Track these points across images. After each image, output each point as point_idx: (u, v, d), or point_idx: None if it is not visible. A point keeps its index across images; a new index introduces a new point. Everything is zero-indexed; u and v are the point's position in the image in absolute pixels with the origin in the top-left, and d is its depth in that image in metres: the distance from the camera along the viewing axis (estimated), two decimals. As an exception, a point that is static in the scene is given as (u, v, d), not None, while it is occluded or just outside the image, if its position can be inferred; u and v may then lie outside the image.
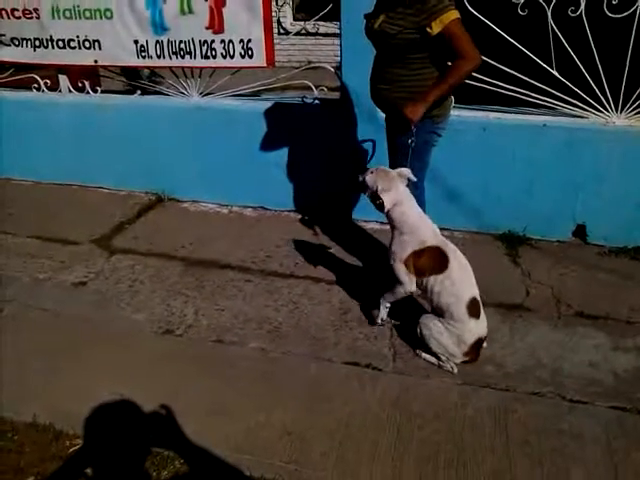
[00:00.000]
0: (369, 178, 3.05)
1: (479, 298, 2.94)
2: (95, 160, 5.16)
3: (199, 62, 4.46)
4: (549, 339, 3.17)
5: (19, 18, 4.82)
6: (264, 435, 2.60)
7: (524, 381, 2.87)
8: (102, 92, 5.13)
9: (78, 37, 4.71)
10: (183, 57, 4.48)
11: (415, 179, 3.09)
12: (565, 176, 3.97)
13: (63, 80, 5.13)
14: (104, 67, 4.98)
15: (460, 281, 2.91)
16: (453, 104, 3.68)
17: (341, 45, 4.11)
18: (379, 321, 3.30)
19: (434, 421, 2.64)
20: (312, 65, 4.81)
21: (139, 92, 4.98)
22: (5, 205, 5.05)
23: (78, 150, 5.19)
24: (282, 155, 4.57)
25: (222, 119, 4.65)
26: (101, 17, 4.55)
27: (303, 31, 5.24)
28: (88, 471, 2.48)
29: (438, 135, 3.32)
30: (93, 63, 4.82)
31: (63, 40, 4.77)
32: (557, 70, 3.80)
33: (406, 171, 3.07)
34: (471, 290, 2.93)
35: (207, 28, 4.31)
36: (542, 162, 3.98)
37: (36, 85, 5.19)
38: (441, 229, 4.13)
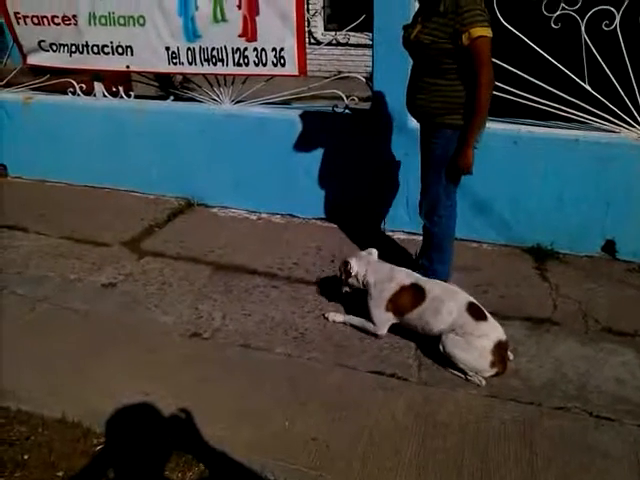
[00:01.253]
0: (340, 265, 3.43)
1: (476, 302, 3.06)
2: (127, 164, 5.25)
3: (231, 69, 4.52)
4: (576, 354, 3.14)
5: (58, 25, 4.93)
6: (288, 440, 2.62)
7: (550, 395, 2.85)
8: (135, 97, 5.22)
9: (112, 43, 4.83)
10: (215, 64, 4.55)
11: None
12: (595, 191, 3.94)
13: (98, 85, 5.23)
14: (136, 72, 5.07)
15: (446, 297, 3.07)
16: (488, 117, 3.67)
17: (373, 55, 4.14)
18: (330, 319, 3.46)
19: (459, 432, 2.63)
20: (343, 75, 4.84)
21: (172, 98, 5.06)
22: (39, 206, 5.16)
23: (111, 154, 5.28)
24: (312, 163, 4.59)
25: (253, 126, 4.69)
26: (134, 24, 4.66)
27: (334, 41, 5.27)
28: (110, 473, 2.52)
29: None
30: (125, 68, 4.92)
31: (97, 46, 4.89)
32: (590, 84, 3.79)
33: (373, 250, 3.48)
34: (463, 297, 3.06)
35: (240, 36, 4.37)
36: (572, 176, 3.96)
37: (72, 89, 5.30)
38: (469, 241, 4.21)
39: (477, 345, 2.91)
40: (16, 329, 3.45)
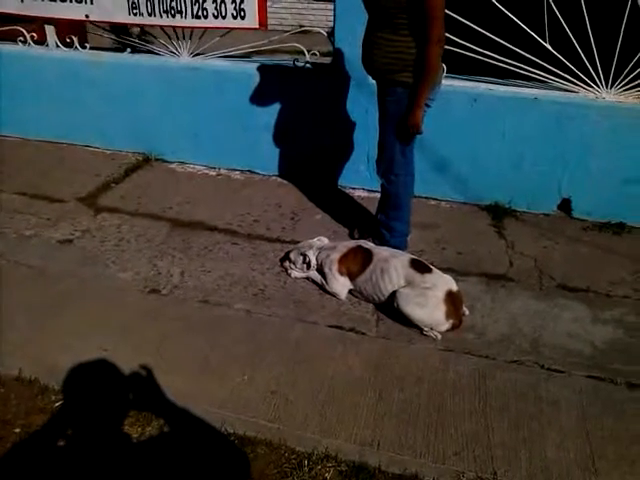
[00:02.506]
0: (292, 255, 3.49)
1: (419, 258, 3.23)
2: (83, 118, 5.09)
3: (190, 22, 4.39)
4: (530, 309, 3.23)
5: (6, -33, 4.70)
6: (248, 394, 2.64)
7: (504, 349, 2.93)
8: (91, 49, 5.04)
9: None
10: (174, 16, 4.41)
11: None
12: (553, 150, 3.99)
13: (51, 35, 5.02)
14: (95, 22, 4.88)
15: (390, 256, 3.18)
16: (445, 74, 3.67)
17: (335, 10, 4.07)
18: (295, 275, 3.50)
19: (415, 385, 2.69)
20: (304, 29, 4.75)
21: (129, 50, 4.90)
22: (-9, 161, 5.01)
23: (66, 107, 5.11)
24: (271, 119, 4.53)
25: (212, 80, 4.60)
26: (94, -29, 4.46)
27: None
28: (69, 429, 2.52)
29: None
30: (84, 18, 4.72)
31: None
32: (550, 43, 3.80)
33: (323, 238, 3.58)
34: (406, 255, 3.22)
35: (198, -13, 4.24)
36: (531, 135, 4.00)
37: (22, 38, 5.07)
38: (428, 199, 4.24)
39: (429, 295, 2.97)
40: (-32, 286, 3.38)
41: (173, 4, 4.36)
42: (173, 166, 4.95)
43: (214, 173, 4.85)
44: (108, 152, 5.12)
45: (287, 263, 3.52)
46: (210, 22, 4.34)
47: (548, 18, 3.70)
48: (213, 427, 2.49)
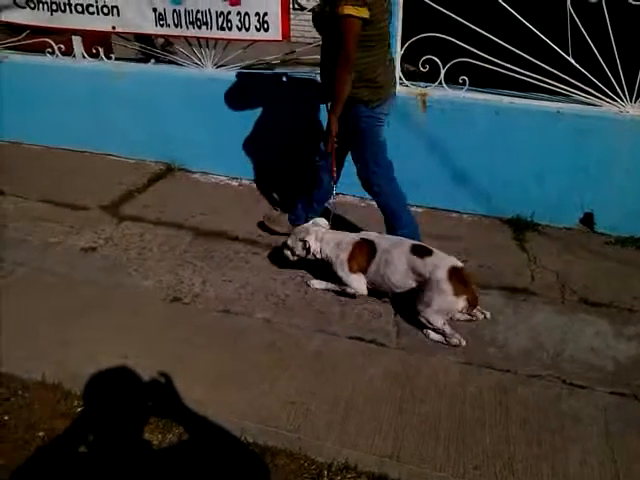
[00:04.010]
0: (290, 242, 3.48)
1: (419, 243, 3.27)
2: (106, 128, 5.15)
3: (215, 33, 4.45)
4: (552, 323, 3.20)
5: (37, -19, 4.80)
6: (268, 404, 2.65)
7: (526, 363, 2.91)
8: (115, 60, 5.12)
9: (97, 2, 4.68)
10: (200, 27, 4.47)
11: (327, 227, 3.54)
12: (576, 164, 3.97)
13: (78, 46, 5.10)
14: (122, 34, 4.96)
15: (392, 247, 3.21)
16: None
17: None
18: (313, 285, 3.51)
19: (436, 397, 2.69)
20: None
21: (153, 61, 4.97)
22: (15, 169, 5.07)
23: (90, 117, 5.18)
24: (294, 130, 4.56)
25: (235, 91, 4.63)
26: (120, -17, 4.54)
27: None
28: (90, 435, 2.55)
29: (378, 118, 3.40)
30: (111, 29, 4.81)
31: (82, 5, 4.74)
32: (573, 57, 3.79)
33: (320, 220, 3.57)
34: (407, 242, 3.23)
35: (223, 0, 4.29)
36: (553, 148, 3.98)
37: (50, 50, 5.17)
38: (450, 211, 4.23)
39: (433, 282, 2.99)
40: (-6, 292, 3.43)
41: (199, 16, 4.41)
42: (196, 176, 4.99)
43: (236, 183, 4.87)
44: (132, 161, 5.17)
45: (286, 252, 3.52)
46: (234, 34, 4.39)
47: (571, 31, 3.69)
48: (233, 436, 2.50)
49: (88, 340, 3.03)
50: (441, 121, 4.08)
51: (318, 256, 3.42)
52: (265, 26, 4.28)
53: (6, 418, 2.61)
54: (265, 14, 4.23)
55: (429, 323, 3.03)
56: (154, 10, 4.52)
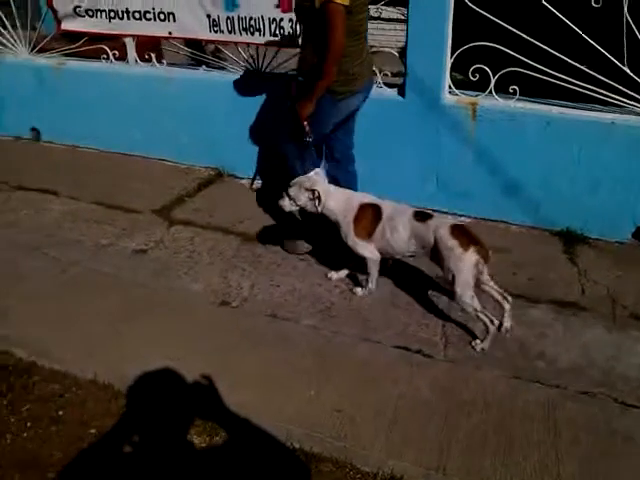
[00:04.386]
0: (292, 192, 3.41)
1: (421, 210, 3.26)
2: (158, 132, 5.26)
3: (268, 39, 4.51)
4: (603, 339, 3.14)
5: (95, -10, 4.94)
6: (314, 410, 2.67)
7: (575, 379, 2.85)
8: (167, 65, 5.22)
9: (154, 9, 4.80)
10: (252, 34, 4.54)
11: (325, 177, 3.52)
12: (629, 176, 3.88)
13: (131, 51, 5.23)
14: (178, 39, 5.07)
15: (396, 214, 3.24)
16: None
17: (407, 31, 4.09)
18: (366, 292, 3.51)
19: (483, 411, 2.66)
20: (377, 49, 4.80)
21: (204, 67, 5.05)
22: (70, 171, 5.23)
23: (142, 121, 5.30)
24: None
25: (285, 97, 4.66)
26: (176, -10, 4.65)
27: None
28: (135, 435, 2.60)
29: (341, 112, 3.51)
30: (168, 35, 4.92)
31: (139, 12, 4.87)
32: (628, 66, 3.71)
33: (319, 170, 3.50)
34: (409, 210, 3.24)
35: (276, 6, 4.34)
36: (606, 160, 3.89)
37: (105, 56, 5.31)
38: (498, 222, 4.18)
39: (440, 244, 3.00)
40: (49, 291, 3.55)
41: (252, 22, 4.48)
42: (245, 182, 5.04)
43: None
44: (182, 166, 5.26)
45: (284, 202, 3.45)
46: (286, 40, 4.44)
47: (627, 40, 3.62)
48: (278, 441, 2.52)
49: (138, 341, 3.10)
50: (491, 130, 4.04)
51: (320, 210, 3.39)
52: (315, 33, 4.31)
53: (60, 413, 2.70)
54: (316, 22, 4.26)
55: (462, 299, 2.99)
56: (208, 16, 4.61)
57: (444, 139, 4.09)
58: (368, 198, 3.41)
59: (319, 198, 3.34)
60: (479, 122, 4.06)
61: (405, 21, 4.09)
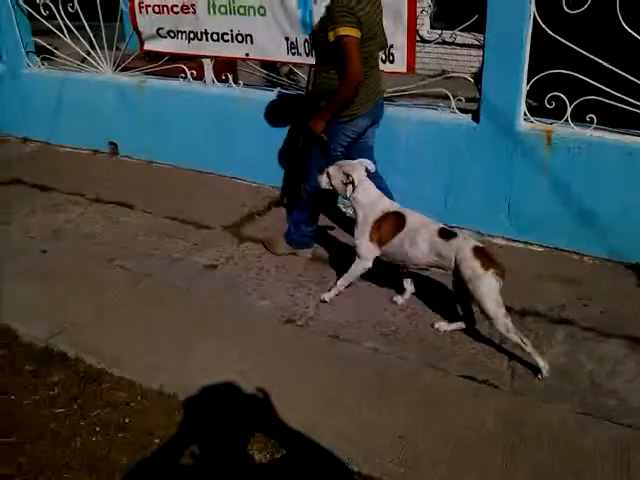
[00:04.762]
0: (331, 170, 3.51)
1: (447, 227, 3.29)
2: (231, 151, 5.39)
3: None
4: (679, 379, 3.01)
5: (177, 13, 5.12)
6: (375, 435, 2.66)
7: (649, 419, 2.75)
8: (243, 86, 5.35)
9: (232, 31, 4.93)
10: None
11: (373, 170, 3.57)
12: None
13: (208, 71, 5.39)
14: (254, 60, 5.19)
15: (421, 226, 3.27)
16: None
17: (484, 56, 4.07)
18: (326, 299, 3.61)
19: (549, 446, 2.59)
20: (451, 74, 4.80)
21: (279, 89, 5.16)
22: (146, 186, 5.42)
23: (216, 140, 5.44)
24: (411, 161, 4.55)
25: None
26: (254, 14, 4.74)
27: (439, 40, 5.21)
28: (195, 447, 2.64)
29: (345, 134, 3.68)
30: (245, 56, 5.05)
31: (217, 33, 5.01)
32: None
33: (365, 161, 3.55)
34: (434, 225, 3.27)
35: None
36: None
37: (183, 75, 5.49)
38: (571, 252, 4.07)
39: (462, 265, 3.05)
40: (123, 300, 3.69)
41: (331, 45, 4.55)
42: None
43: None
44: (254, 185, 5.36)
45: (322, 177, 3.55)
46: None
47: None
48: (338, 462, 2.52)
49: (204, 354, 3.18)
50: (566, 159, 3.95)
51: (349, 195, 3.47)
52: (391, 58, 4.35)
53: (127, 421, 2.78)
54: (391, 46, 4.30)
55: (497, 320, 2.99)
56: (286, 39, 4.70)
57: (517, 166, 4.04)
58: (396, 207, 3.47)
59: (353, 184, 3.41)
60: (554, 150, 3.98)
61: (479, 47, 4.08)
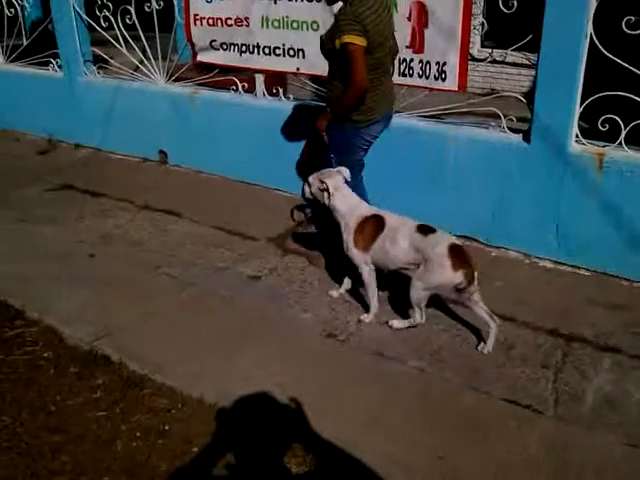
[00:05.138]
0: (311, 179, 3.65)
1: (425, 224, 3.34)
2: (278, 164, 5.41)
3: (396, 79, 4.55)
4: None
5: (231, 26, 5.21)
6: (417, 454, 2.64)
7: (700, 455, 2.66)
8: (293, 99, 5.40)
9: (284, 45, 5.00)
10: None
11: (349, 179, 3.65)
12: None
13: (259, 84, 5.47)
14: (305, 75, 5.28)
15: (399, 224, 3.38)
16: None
17: (537, 76, 4.03)
18: (367, 321, 3.59)
19: (594, 476, 2.52)
20: (503, 94, 4.76)
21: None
22: (193, 195, 5.51)
23: (264, 152, 5.49)
24: (460, 179, 4.52)
25: (406, 138, 4.69)
26: (307, 29, 4.81)
27: (489, 58, 5.19)
28: (235, 455, 2.66)
29: (364, 139, 3.78)
30: (295, 70, 5.12)
31: (269, 47, 5.09)
32: None
33: (344, 169, 3.63)
34: (412, 222, 3.36)
35: (408, 47, 4.40)
36: None
37: (234, 87, 5.58)
38: (620, 278, 3.98)
39: (435, 257, 3.14)
40: (168, 307, 3.75)
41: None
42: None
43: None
44: (298, 197, 5.37)
45: (305, 187, 3.70)
46: (414, 81, 4.48)
47: None
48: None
49: (246, 364, 3.20)
50: (618, 183, 3.87)
51: (326, 203, 3.56)
52: (443, 75, 4.34)
53: (167, 428, 2.81)
54: (444, 63, 4.30)
55: (411, 297, 3.25)
56: None
57: (567, 188, 3.98)
58: (375, 210, 3.57)
59: (327, 191, 3.51)
60: (605, 173, 3.91)
61: (530, 66, 4.04)
